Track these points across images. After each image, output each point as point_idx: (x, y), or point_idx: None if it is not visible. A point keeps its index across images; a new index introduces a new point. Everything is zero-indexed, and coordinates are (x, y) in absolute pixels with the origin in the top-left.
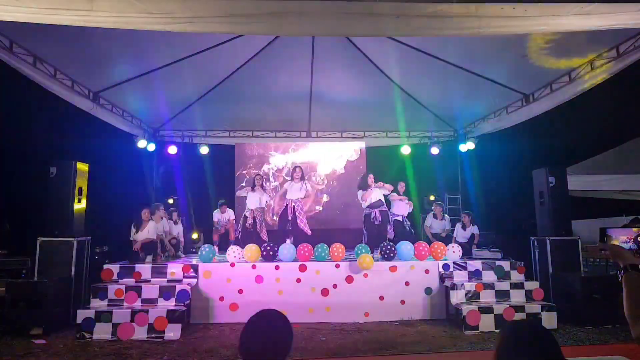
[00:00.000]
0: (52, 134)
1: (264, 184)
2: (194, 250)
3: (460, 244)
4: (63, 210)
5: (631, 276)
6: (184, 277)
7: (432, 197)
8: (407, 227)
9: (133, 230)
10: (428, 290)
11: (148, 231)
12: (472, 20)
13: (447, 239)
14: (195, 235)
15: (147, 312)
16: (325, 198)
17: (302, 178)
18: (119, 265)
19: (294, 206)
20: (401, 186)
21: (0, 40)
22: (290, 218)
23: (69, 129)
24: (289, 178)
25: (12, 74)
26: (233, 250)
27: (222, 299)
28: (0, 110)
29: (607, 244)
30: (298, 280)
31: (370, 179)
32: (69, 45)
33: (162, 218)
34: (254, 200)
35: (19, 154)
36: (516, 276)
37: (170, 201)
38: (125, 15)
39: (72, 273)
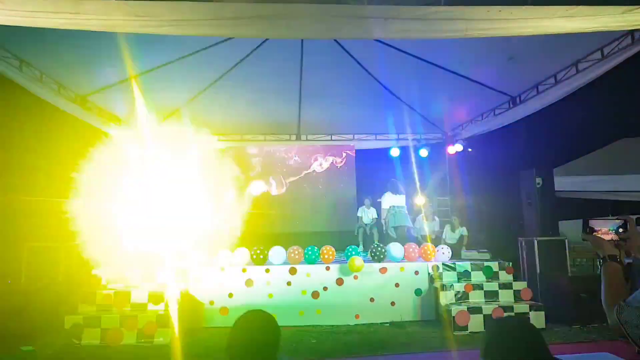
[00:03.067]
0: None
1: None
2: None
3: (449, 245)
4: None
5: (609, 266)
6: (174, 281)
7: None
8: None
9: None
10: (418, 292)
11: None
12: (458, 22)
13: (437, 241)
14: None
15: (136, 317)
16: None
17: None
18: (108, 271)
19: None
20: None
21: None
22: None
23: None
24: None
25: None
26: (223, 254)
27: (212, 302)
28: None
29: (589, 234)
30: (288, 284)
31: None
32: (55, 48)
33: None
34: None
35: None
36: (505, 276)
37: None
38: (112, 18)
39: (60, 278)
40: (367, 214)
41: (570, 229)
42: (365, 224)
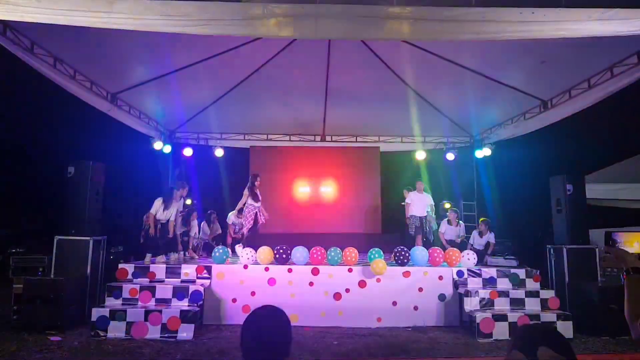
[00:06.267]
0: (71, 134)
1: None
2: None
3: (475, 250)
4: (80, 210)
5: (632, 278)
6: (198, 277)
7: (446, 205)
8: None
9: (161, 206)
10: (442, 297)
11: (172, 213)
12: (489, 24)
13: (462, 246)
14: None
15: (160, 311)
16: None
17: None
18: (133, 265)
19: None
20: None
21: (22, 41)
22: (260, 222)
23: (87, 130)
24: None
25: (32, 74)
26: (246, 252)
27: (234, 300)
28: (21, 110)
29: (612, 247)
30: (311, 284)
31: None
32: (89, 46)
33: (181, 197)
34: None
35: (38, 153)
36: (531, 284)
37: (188, 202)
38: (144, 17)
39: (88, 272)
40: (419, 201)
41: (601, 238)
42: (418, 217)
